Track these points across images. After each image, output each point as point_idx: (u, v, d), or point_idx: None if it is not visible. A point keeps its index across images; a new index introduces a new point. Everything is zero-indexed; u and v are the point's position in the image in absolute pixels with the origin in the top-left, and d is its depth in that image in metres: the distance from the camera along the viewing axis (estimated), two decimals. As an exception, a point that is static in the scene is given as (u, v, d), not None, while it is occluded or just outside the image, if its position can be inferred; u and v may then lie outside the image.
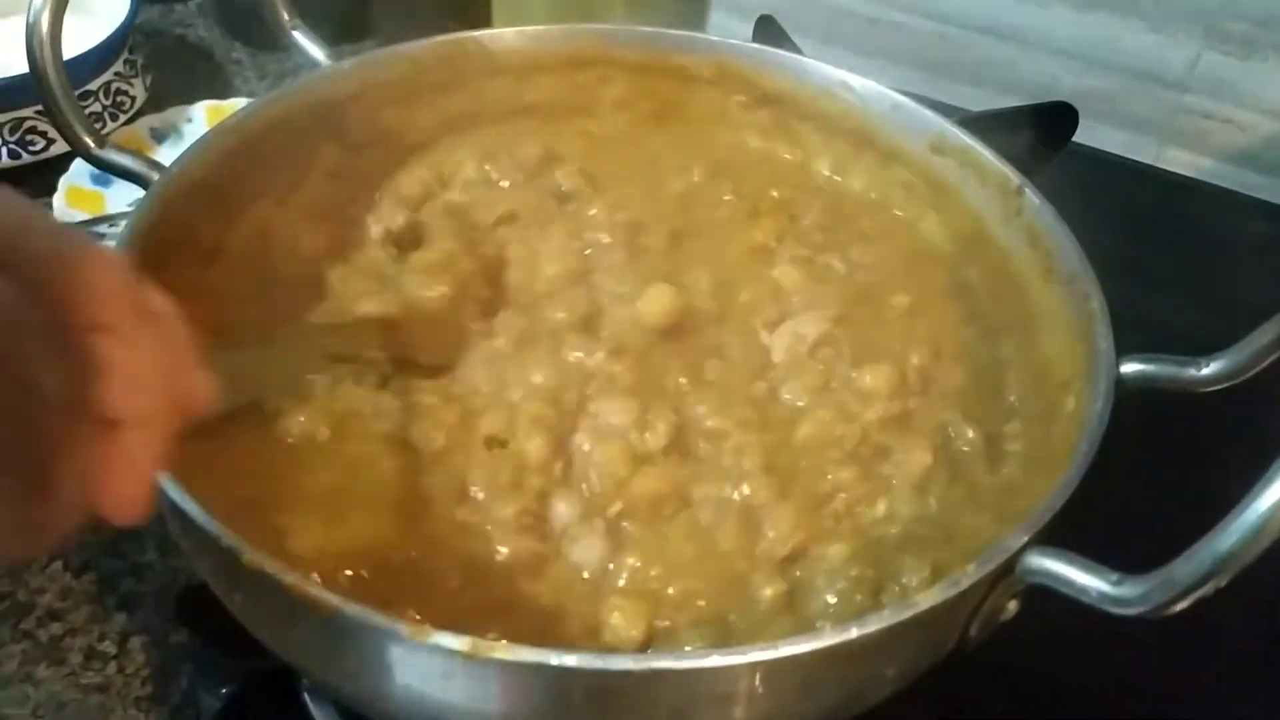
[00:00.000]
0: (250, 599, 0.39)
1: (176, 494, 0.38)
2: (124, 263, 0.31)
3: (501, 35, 0.60)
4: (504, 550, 0.44)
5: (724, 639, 0.41)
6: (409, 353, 0.49)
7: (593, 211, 0.56)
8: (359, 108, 0.58)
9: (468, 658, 0.34)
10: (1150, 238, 0.77)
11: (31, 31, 0.47)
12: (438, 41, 0.59)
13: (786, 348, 0.50)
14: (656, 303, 0.51)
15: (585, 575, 0.44)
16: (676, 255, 0.55)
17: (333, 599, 0.35)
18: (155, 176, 0.49)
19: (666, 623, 0.42)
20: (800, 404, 0.49)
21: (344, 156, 0.58)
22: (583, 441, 0.47)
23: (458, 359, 0.49)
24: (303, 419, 0.46)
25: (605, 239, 0.55)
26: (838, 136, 0.61)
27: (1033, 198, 0.52)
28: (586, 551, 0.44)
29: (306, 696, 0.55)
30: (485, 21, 0.95)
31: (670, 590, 0.43)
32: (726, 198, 0.60)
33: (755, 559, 0.44)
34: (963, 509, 0.46)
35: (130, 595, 0.65)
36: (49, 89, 0.47)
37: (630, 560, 0.44)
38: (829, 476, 0.46)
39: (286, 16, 0.57)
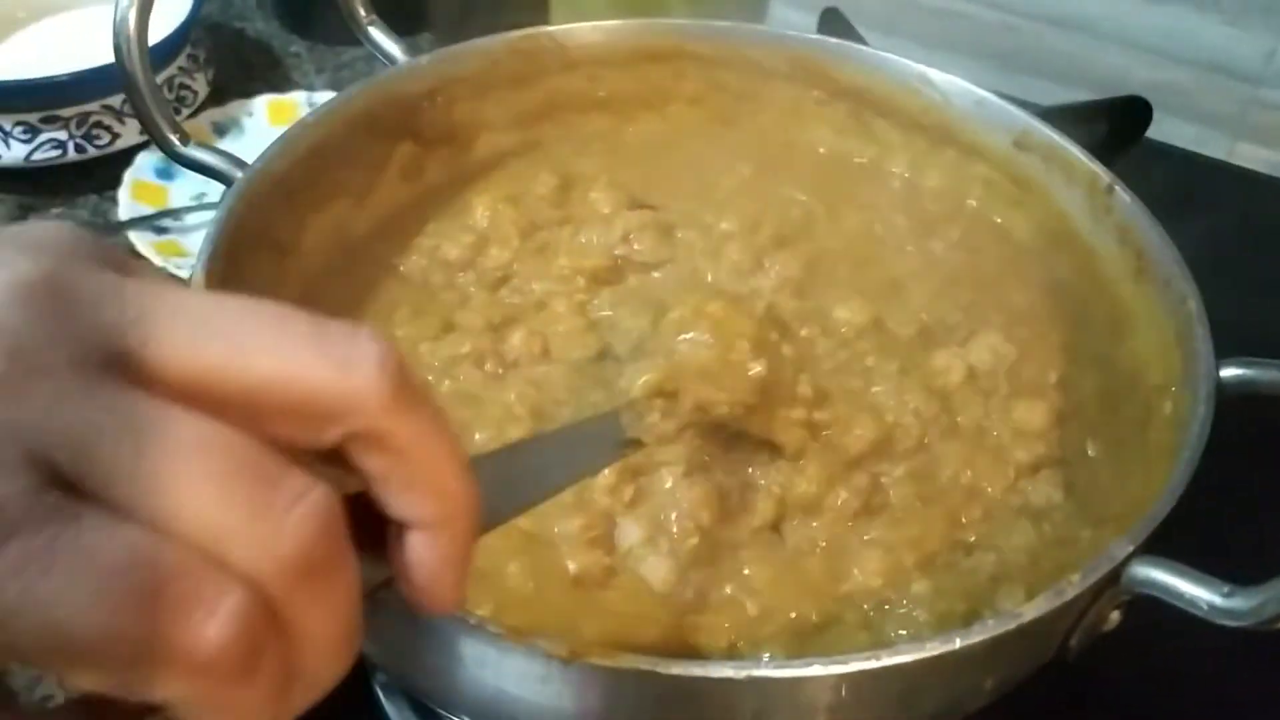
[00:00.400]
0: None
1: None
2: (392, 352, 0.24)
3: (575, 30, 0.60)
4: (572, 564, 0.43)
5: (801, 651, 0.41)
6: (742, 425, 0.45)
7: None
8: (433, 104, 0.57)
9: (567, 663, 0.34)
10: (1226, 235, 0.75)
11: (119, 30, 0.47)
12: (513, 37, 0.58)
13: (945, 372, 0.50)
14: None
15: (655, 589, 0.43)
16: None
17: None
18: (238, 174, 0.49)
19: (743, 638, 0.42)
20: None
21: (418, 153, 0.58)
22: (665, 478, 0.45)
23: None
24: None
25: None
26: (916, 132, 0.60)
27: (1124, 195, 0.51)
28: (653, 570, 0.44)
29: (379, 690, 0.55)
30: (542, 18, 0.95)
31: (749, 607, 0.43)
32: (802, 198, 0.59)
33: (839, 597, 0.43)
34: (1064, 525, 0.45)
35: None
36: (136, 87, 0.47)
37: (699, 577, 0.43)
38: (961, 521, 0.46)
39: (363, 12, 0.56)
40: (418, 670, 0.39)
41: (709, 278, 0.53)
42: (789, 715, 0.36)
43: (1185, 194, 0.82)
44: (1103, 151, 0.68)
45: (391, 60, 0.56)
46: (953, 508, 0.46)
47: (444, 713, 0.54)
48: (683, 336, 0.45)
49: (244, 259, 0.48)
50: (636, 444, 0.41)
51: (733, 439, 0.46)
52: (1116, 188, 0.52)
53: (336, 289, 0.53)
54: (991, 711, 0.41)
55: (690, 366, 0.44)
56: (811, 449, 0.46)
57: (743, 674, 0.34)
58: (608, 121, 0.63)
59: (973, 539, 0.45)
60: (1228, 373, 0.44)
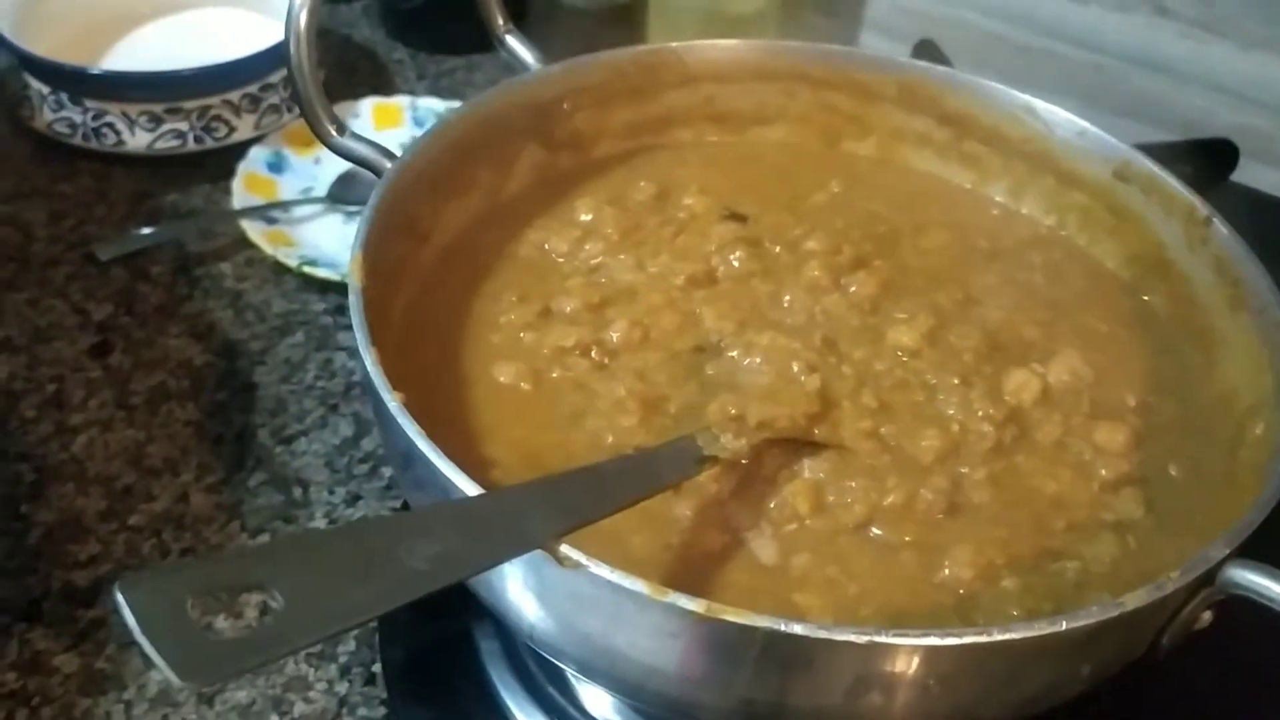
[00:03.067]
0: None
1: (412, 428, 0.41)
2: None
3: (697, 47, 0.63)
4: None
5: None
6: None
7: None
8: (561, 110, 0.61)
9: (701, 619, 0.37)
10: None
11: (290, 28, 0.51)
12: (639, 50, 0.62)
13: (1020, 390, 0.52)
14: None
15: (763, 563, 0.46)
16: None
17: (580, 556, 0.37)
18: (387, 164, 0.52)
19: (844, 616, 0.44)
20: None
21: (545, 156, 0.61)
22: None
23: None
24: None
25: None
26: (1016, 159, 0.63)
27: (1221, 228, 0.54)
28: (762, 549, 0.46)
29: (485, 660, 0.58)
30: (640, 39, 0.98)
31: (849, 588, 0.45)
32: (888, 214, 0.62)
33: (933, 584, 0.46)
34: (1146, 539, 0.47)
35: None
36: (303, 83, 0.51)
37: (802, 560, 0.46)
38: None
39: (501, 21, 0.60)
40: (555, 625, 0.42)
41: (786, 297, 0.56)
42: (894, 685, 0.38)
43: (1271, 238, 0.84)
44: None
45: (525, 67, 0.60)
46: (1037, 514, 0.48)
47: (544, 681, 0.57)
48: (744, 363, 0.52)
49: (385, 243, 0.52)
50: (713, 460, 0.47)
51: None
52: (1214, 220, 0.54)
53: (455, 272, 0.56)
54: (1081, 704, 0.43)
55: (751, 391, 0.49)
56: (884, 461, 0.49)
57: (864, 638, 0.36)
58: (715, 134, 0.66)
59: (1058, 545, 0.47)
60: (1319, 398, 0.46)
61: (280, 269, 0.84)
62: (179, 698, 0.62)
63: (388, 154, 0.53)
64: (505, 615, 0.44)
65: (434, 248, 0.56)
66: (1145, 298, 0.58)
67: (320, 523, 0.71)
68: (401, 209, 0.52)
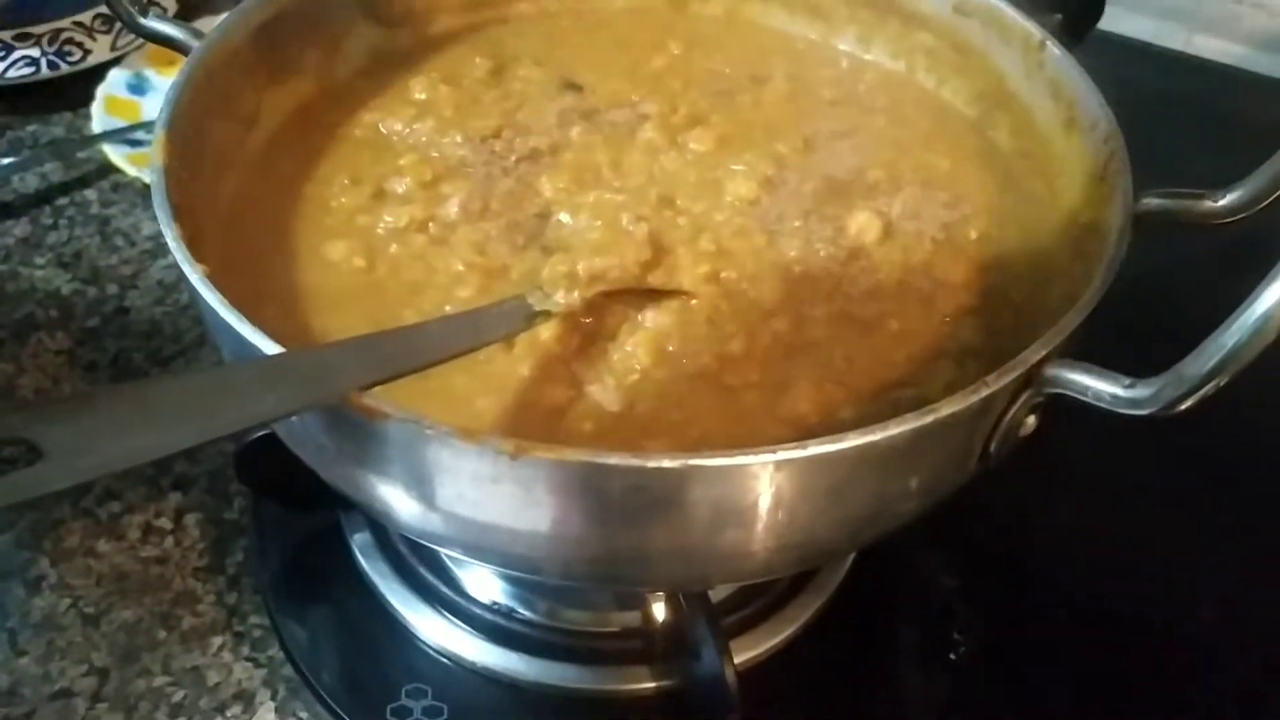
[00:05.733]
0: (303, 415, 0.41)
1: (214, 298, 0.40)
2: None
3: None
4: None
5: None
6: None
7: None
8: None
9: (514, 457, 0.36)
10: (1180, 123, 0.77)
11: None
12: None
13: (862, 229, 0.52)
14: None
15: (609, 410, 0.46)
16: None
17: (387, 406, 0.37)
18: (195, 44, 0.50)
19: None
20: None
21: (379, 34, 0.59)
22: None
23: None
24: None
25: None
26: (861, 7, 0.62)
27: (1054, 49, 0.53)
28: (607, 399, 0.46)
29: (358, 554, 0.58)
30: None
31: (691, 431, 0.45)
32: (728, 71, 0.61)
33: (772, 420, 0.45)
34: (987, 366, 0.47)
35: (183, 476, 0.68)
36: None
37: (647, 407, 0.46)
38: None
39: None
40: (378, 490, 0.42)
41: (623, 162, 0.55)
42: (726, 509, 0.38)
43: (1140, 85, 0.84)
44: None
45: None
46: (877, 349, 0.48)
47: (418, 565, 0.57)
48: (579, 225, 0.51)
49: (207, 127, 0.50)
50: (545, 315, 0.46)
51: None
52: (1048, 43, 0.54)
53: (286, 158, 0.55)
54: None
55: (583, 248, 0.49)
56: (725, 308, 0.48)
57: (679, 463, 0.36)
58: (556, 3, 0.64)
59: (897, 377, 0.47)
60: (1147, 204, 0.46)
61: (149, 191, 0.82)
62: (63, 621, 0.62)
63: (197, 34, 0.51)
64: (344, 490, 0.44)
65: (262, 133, 0.55)
66: (990, 134, 0.58)
67: (202, 440, 0.70)
68: (215, 89, 0.50)
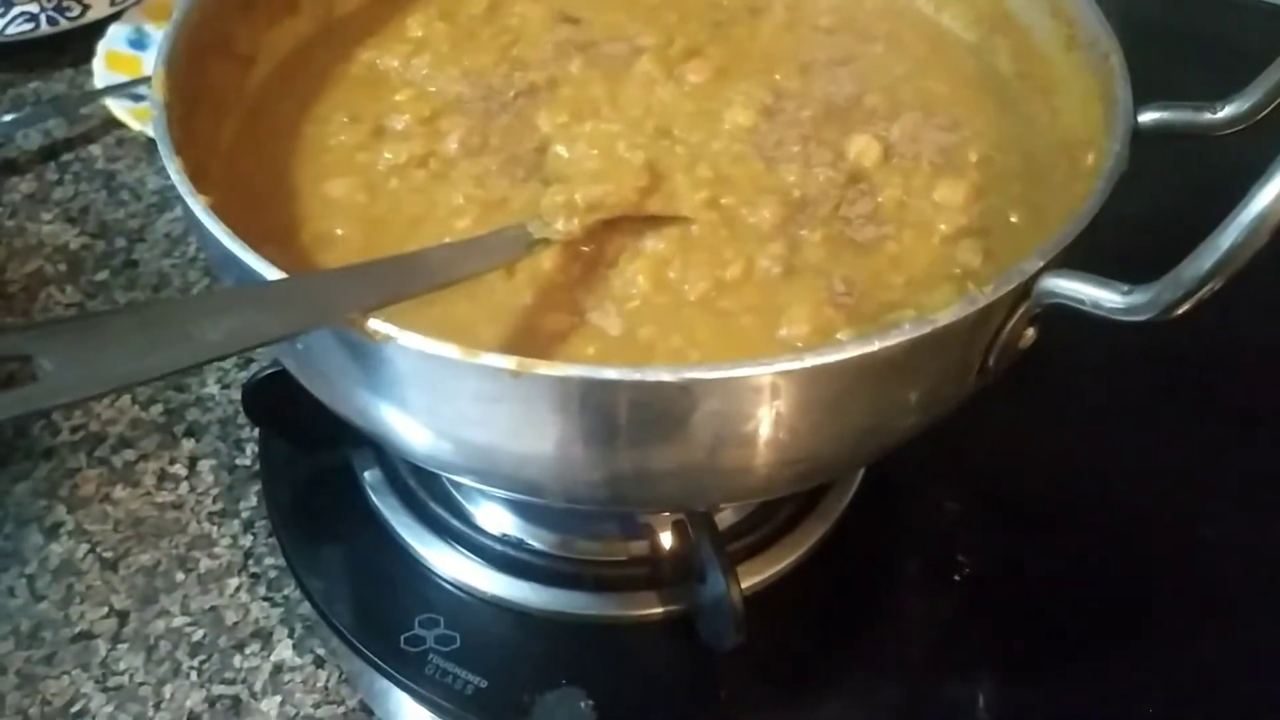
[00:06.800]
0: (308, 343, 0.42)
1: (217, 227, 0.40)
2: None
3: None
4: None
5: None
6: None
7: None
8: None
9: (516, 375, 0.37)
10: (1177, 49, 0.77)
11: None
12: None
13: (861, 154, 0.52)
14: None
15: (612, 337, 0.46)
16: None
17: (389, 328, 0.37)
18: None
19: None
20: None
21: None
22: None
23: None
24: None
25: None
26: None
27: (1053, -33, 0.53)
28: (608, 323, 0.46)
29: (369, 490, 0.58)
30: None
31: (691, 356, 0.45)
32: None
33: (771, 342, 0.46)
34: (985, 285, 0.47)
35: (195, 424, 0.69)
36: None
37: (648, 332, 0.46)
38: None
39: None
40: (384, 415, 0.42)
41: (620, 95, 0.55)
42: (725, 424, 0.39)
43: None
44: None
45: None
46: (876, 272, 0.48)
47: (428, 500, 0.57)
48: (577, 155, 0.51)
49: (207, 66, 0.51)
50: (544, 242, 0.47)
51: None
52: (1045, -40, 0.53)
53: (286, 96, 0.55)
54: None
55: (580, 177, 0.49)
56: (723, 235, 0.48)
57: (678, 376, 0.37)
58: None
59: (896, 299, 0.47)
60: (1146, 117, 0.46)
61: (153, 145, 0.82)
62: (81, 566, 0.63)
63: (193, -30, 0.51)
64: (351, 419, 0.44)
65: (261, 72, 0.55)
66: (989, 58, 0.58)
67: (213, 389, 0.71)
68: (213, 27, 0.51)
